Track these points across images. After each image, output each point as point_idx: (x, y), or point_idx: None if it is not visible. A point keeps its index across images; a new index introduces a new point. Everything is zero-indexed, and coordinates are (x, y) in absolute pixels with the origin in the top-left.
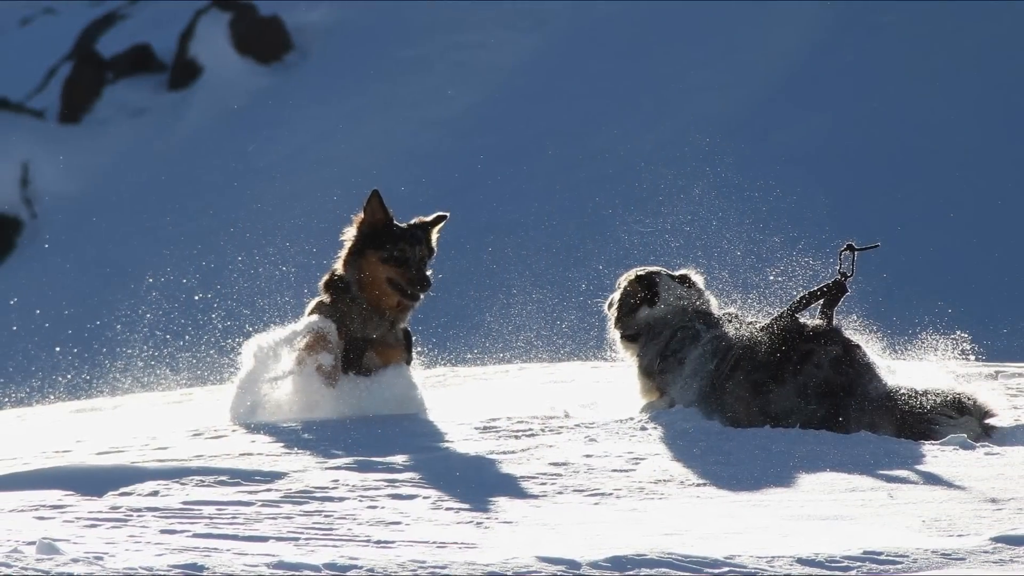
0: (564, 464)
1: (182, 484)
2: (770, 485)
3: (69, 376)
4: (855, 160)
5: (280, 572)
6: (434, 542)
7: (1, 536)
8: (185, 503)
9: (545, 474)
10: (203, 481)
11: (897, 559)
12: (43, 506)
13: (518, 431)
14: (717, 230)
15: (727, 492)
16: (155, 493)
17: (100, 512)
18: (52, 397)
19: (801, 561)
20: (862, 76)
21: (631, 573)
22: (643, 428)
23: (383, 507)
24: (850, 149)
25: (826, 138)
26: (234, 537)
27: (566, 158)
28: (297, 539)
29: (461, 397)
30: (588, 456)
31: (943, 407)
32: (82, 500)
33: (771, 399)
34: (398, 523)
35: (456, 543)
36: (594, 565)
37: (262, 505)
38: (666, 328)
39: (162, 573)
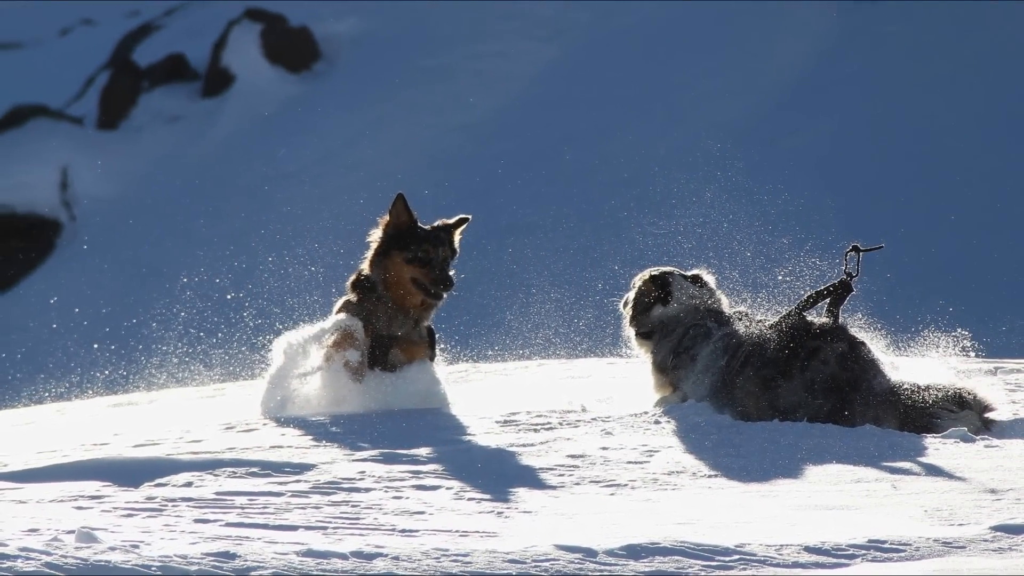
0: (581, 456)
1: (215, 475)
2: (779, 476)
3: (107, 372)
4: (860, 164)
5: (309, 560)
6: (456, 531)
7: (42, 525)
8: (218, 493)
9: (563, 466)
10: (235, 472)
11: (900, 547)
12: (82, 496)
13: (537, 425)
14: (728, 232)
15: (737, 483)
16: (189, 484)
17: (136, 502)
18: (90, 392)
19: (808, 549)
20: (867, 83)
21: (645, 561)
22: (657, 422)
23: (408, 497)
24: (855, 154)
25: (832, 143)
26: (265, 526)
27: (583, 163)
28: (325, 528)
29: (482, 392)
30: (604, 448)
31: (944, 402)
32: (119, 491)
33: (779, 394)
34: (422, 513)
35: (478, 532)
36: (610, 553)
37: (292, 496)
38: (679, 326)
39: (196, 561)
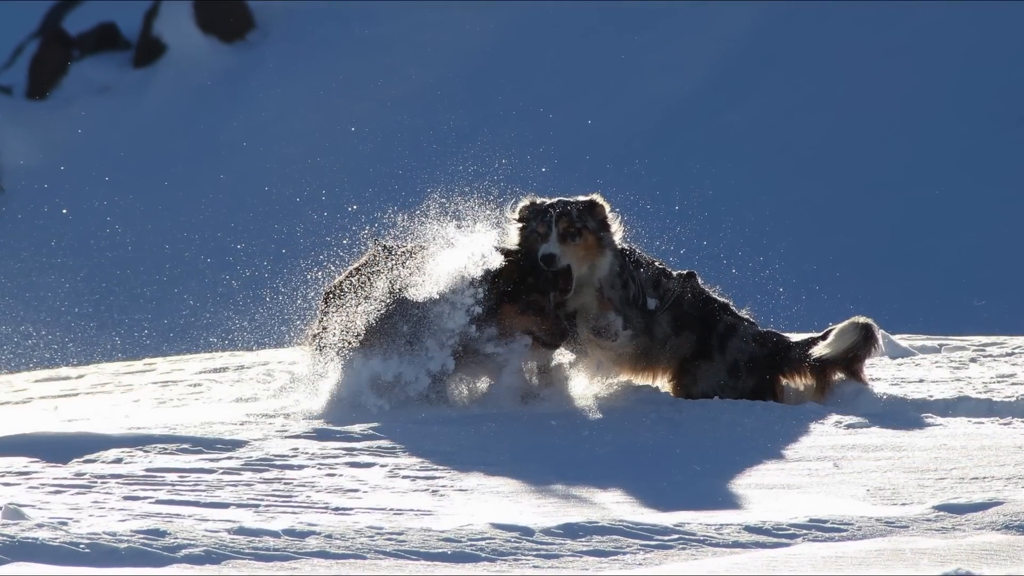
0: (521, 436)
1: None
2: (719, 455)
3: (15, 340)
4: (792, 143)
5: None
6: (391, 509)
7: None
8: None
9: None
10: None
11: (842, 527)
12: (8, 472)
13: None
14: (661, 212)
15: (678, 462)
16: (119, 460)
17: (65, 479)
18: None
19: (748, 528)
20: (806, 60)
21: (583, 540)
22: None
23: (341, 475)
24: (786, 132)
25: (766, 122)
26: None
27: (523, 137)
28: (257, 506)
29: None
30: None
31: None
32: (47, 467)
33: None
34: (355, 491)
35: (412, 510)
36: (546, 532)
37: (223, 472)
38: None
39: (125, 538)
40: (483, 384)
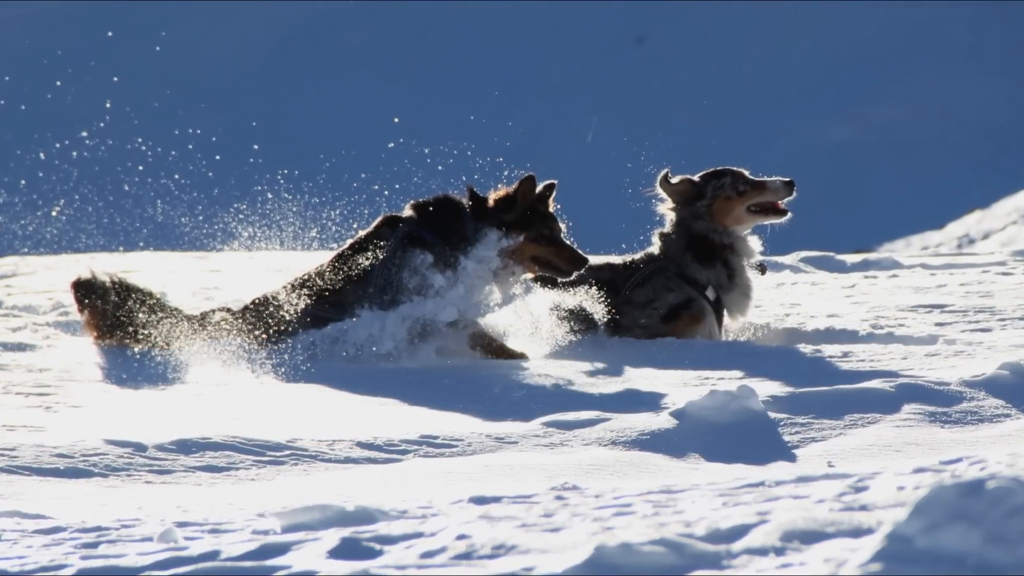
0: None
1: None
2: (332, 372)
3: None
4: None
5: None
6: (4, 425)
7: None
8: None
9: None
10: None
11: (452, 442)
12: None
13: None
14: None
15: (286, 377)
16: None
17: None
18: None
19: (360, 444)
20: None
21: (196, 456)
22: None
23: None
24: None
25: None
26: None
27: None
28: None
29: None
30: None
31: None
32: None
33: None
34: None
35: (25, 427)
36: (160, 448)
37: None
38: None
39: None
40: None
